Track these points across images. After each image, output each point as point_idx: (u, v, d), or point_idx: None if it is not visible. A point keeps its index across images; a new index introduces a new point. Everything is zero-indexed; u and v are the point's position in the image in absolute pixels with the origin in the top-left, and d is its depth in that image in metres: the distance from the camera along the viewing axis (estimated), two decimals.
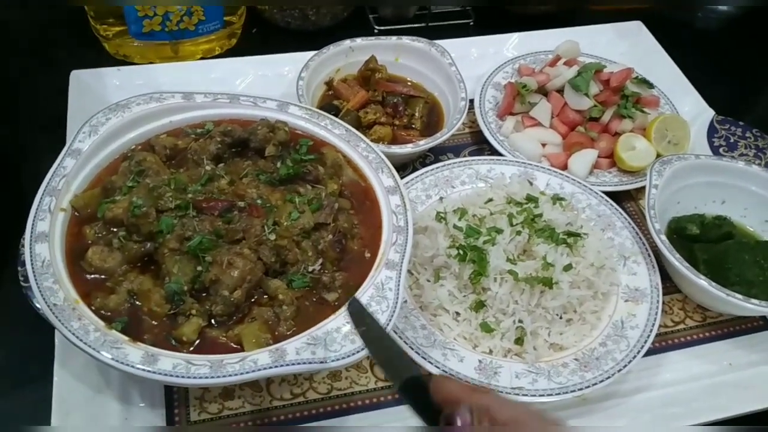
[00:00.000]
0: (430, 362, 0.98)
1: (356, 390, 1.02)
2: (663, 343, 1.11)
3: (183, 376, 0.81)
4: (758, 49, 1.77)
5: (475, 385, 0.72)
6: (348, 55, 1.39)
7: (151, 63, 1.49)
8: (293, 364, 0.83)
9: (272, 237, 0.94)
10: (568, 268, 1.05)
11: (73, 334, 0.83)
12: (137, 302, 0.90)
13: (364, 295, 0.90)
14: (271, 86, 1.41)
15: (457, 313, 1.04)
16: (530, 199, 1.14)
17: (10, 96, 1.41)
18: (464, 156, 1.37)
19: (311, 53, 1.37)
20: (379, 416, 1.00)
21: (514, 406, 0.66)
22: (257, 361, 0.82)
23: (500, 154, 1.30)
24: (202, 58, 1.52)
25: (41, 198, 0.95)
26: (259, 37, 1.61)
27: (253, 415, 0.98)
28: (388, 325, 0.87)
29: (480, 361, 1.00)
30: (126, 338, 0.84)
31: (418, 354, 0.98)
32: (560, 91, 1.39)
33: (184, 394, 0.99)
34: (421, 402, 0.66)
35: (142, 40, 1.46)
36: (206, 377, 0.81)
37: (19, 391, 1.01)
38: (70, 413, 0.94)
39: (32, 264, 0.88)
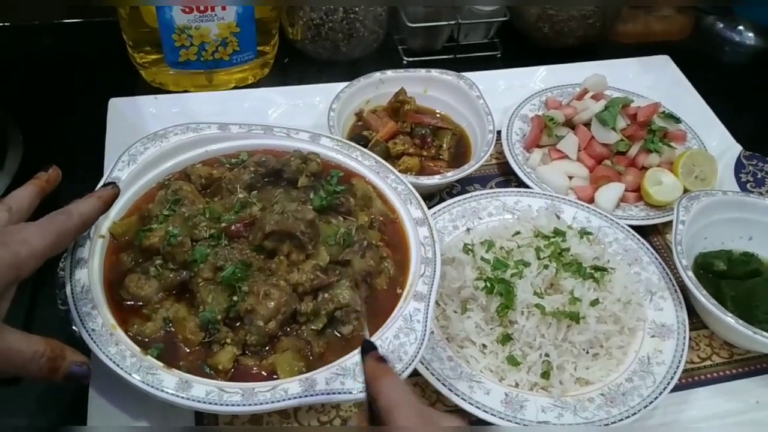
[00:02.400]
0: (456, 394, 0.98)
1: None
2: (689, 380, 1.11)
3: (215, 403, 0.83)
4: None
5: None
6: (378, 87, 1.42)
7: (186, 91, 1.53)
8: (322, 394, 0.84)
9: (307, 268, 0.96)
10: (595, 302, 1.05)
11: (110, 359, 0.85)
12: (172, 329, 0.93)
13: (392, 327, 0.92)
14: (303, 116, 1.44)
15: (484, 346, 1.05)
16: (557, 232, 1.15)
17: (49, 123, 1.45)
18: (491, 187, 1.38)
19: (342, 84, 1.40)
20: None
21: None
22: (288, 390, 0.84)
23: (527, 186, 1.32)
24: (235, 87, 1.56)
25: None
26: (291, 67, 1.65)
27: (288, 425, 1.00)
28: (416, 357, 0.88)
29: (506, 395, 1.00)
30: (161, 364, 0.86)
31: (445, 386, 0.99)
32: (587, 124, 1.40)
33: (213, 421, 1.01)
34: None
35: (177, 69, 1.51)
36: (238, 405, 0.83)
37: (53, 411, 1.03)
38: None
39: (72, 289, 0.91)
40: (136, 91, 1.49)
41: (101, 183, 1.04)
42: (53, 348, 0.78)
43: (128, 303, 0.95)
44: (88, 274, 0.94)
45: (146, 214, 1.03)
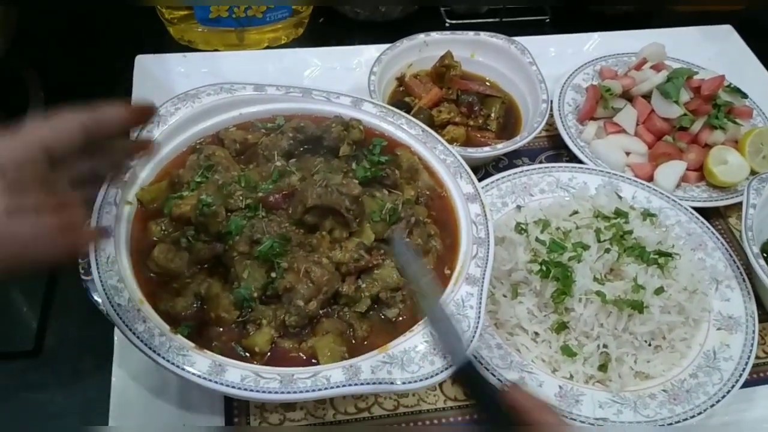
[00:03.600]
0: (506, 386, 0.91)
1: (424, 408, 0.96)
2: (755, 376, 1.03)
3: (251, 390, 0.76)
4: None
5: (548, 405, 0.70)
6: (422, 49, 1.32)
7: (215, 50, 1.45)
8: (367, 384, 0.77)
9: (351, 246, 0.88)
10: (659, 291, 0.97)
11: (138, 337, 0.79)
12: (204, 306, 0.86)
13: None
14: (339, 80, 1.35)
15: (536, 334, 0.98)
16: (619, 213, 1.06)
17: (72, 80, 1.37)
18: (540, 161, 1.29)
19: (381, 46, 1.32)
20: None
21: None
22: (330, 378, 0.77)
23: (580, 161, 1.23)
24: (267, 47, 1.47)
25: (107, 189, 0.90)
26: (326, 28, 1.55)
27: (315, 428, 0.93)
28: (469, 347, 0.81)
29: (560, 387, 0.93)
30: (192, 345, 0.79)
31: (494, 375, 0.92)
32: (646, 96, 1.30)
33: (244, 402, 0.94)
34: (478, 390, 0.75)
35: (207, 26, 1.42)
36: (276, 392, 0.76)
37: (74, 386, 0.98)
38: (127, 415, 0.90)
39: (97, 261, 0.84)
40: (163, 48, 1.41)
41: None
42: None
43: (157, 276, 0.87)
44: (115, 243, 0.87)
45: (177, 180, 0.96)
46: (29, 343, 1.01)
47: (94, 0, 1.48)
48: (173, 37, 1.46)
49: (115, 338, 0.95)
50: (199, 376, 0.76)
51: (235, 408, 0.94)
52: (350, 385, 0.77)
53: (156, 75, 1.31)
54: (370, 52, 1.36)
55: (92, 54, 1.44)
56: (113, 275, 0.83)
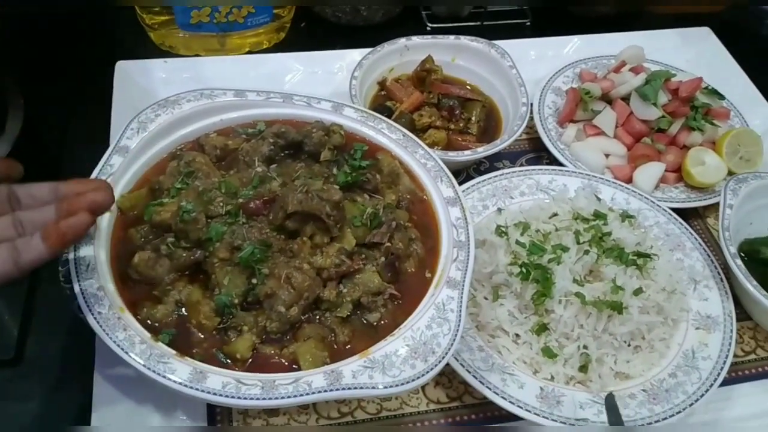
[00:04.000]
0: (488, 387, 0.92)
1: (407, 411, 0.97)
2: (733, 374, 1.04)
3: (233, 396, 0.76)
4: None
5: None
6: (403, 54, 1.33)
7: (197, 55, 1.45)
8: (349, 389, 0.77)
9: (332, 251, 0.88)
10: (638, 292, 0.98)
11: (119, 345, 0.79)
12: (185, 313, 0.86)
13: (424, 316, 0.84)
14: (321, 84, 1.36)
15: (517, 335, 0.98)
16: (598, 215, 1.07)
17: (52, 86, 1.37)
18: (521, 164, 1.30)
19: (362, 51, 1.32)
20: None
21: None
22: (311, 383, 0.77)
23: (560, 164, 1.24)
24: (249, 52, 1.47)
25: None
26: (308, 32, 1.56)
27: (295, 428, 0.94)
28: (449, 349, 0.81)
29: (542, 389, 0.94)
30: (173, 352, 0.80)
31: (476, 378, 0.93)
32: (625, 99, 1.31)
33: (227, 408, 0.94)
34: None
35: (188, 31, 1.42)
36: (257, 398, 0.76)
37: (56, 394, 0.97)
38: (110, 422, 0.90)
39: (76, 268, 0.84)
40: (143, 54, 1.41)
41: (108, 151, 0.96)
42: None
43: (137, 283, 0.87)
44: (94, 250, 0.87)
45: (157, 187, 0.96)
46: (9, 351, 1.00)
47: (74, 3, 1.48)
48: (154, 43, 1.46)
49: (96, 347, 0.95)
50: (180, 384, 0.76)
51: (218, 414, 0.94)
52: (332, 390, 0.77)
53: (137, 81, 1.30)
54: (352, 56, 1.36)
55: (72, 60, 1.43)
56: (93, 283, 0.83)
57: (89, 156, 0.97)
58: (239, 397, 0.76)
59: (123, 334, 0.79)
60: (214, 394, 0.76)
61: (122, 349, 0.78)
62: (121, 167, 0.95)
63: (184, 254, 0.88)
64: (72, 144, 1.27)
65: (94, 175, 0.94)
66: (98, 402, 0.91)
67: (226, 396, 0.76)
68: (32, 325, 1.03)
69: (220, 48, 1.46)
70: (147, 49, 1.44)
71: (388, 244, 0.93)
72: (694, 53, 1.52)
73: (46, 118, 1.29)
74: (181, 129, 1.03)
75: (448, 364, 0.91)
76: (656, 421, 0.91)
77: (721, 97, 1.34)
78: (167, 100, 1.04)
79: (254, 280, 0.86)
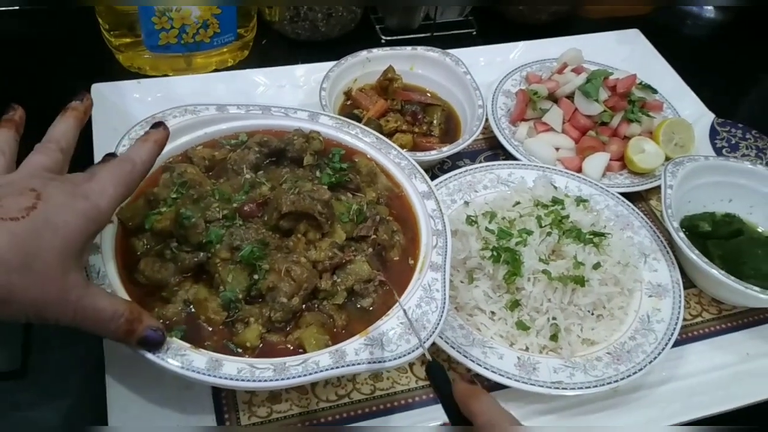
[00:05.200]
0: (471, 360, 1.01)
1: (398, 390, 1.05)
2: (684, 336, 1.16)
3: (248, 380, 0.83)
4: (744, 51, 1.86)
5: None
6: (365, 65, 1.42)
7: (165, 75, 1.51)
8: (354, 365, 0.85)
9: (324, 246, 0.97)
10: (597, 266, 1.10)
11: None
12: (193, 310, 0.92)
13: (414, 297, 0.94)
14: (288, 96, 1.44)
15: (493, 313, 1.08)
16: (556, 201, 1.19)
17: (29, 111, 1.40)
18: (480, 161, 1.41)
19: (326, 64, 1.41)
20: (422, 414, 1.03)
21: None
22: (319, 363, 0.85)
23: (515, 159, 1.35)
24: (215, 70, 1.54)
25: None
26: (270, 49, 1.64)
27: (301, 417, 1.01)
28: (439, 323, 0.90)
29: (519, 358, 1.04)
30: (188, 345, 0.86)
31: (460, 352, 1.02)
32: (570, 97, 1.44)
33: (232, 400, 1.01)
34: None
35: (156, 53, 1.48)
36: (271, 380, 0.83)
37: (65, 401, 1.02)
38: (123, 422, 0.95)
39: (88, 276, 0.90)
40: (112, 76, 1.45)
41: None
42: (132, 310, 0.78)
43: (145, 287, 0.94)
44: (102, 259, 0.92)
45: (152, 198, 1.01)
46: (16, 362, 1.03)
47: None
48: (122, 65, 1.51)
49: (105, 350, 1.00)
50: (200, 372, 0.83)
51: (224, 405, 1.00)
52: (338, 367, 0.85)
53: (113, 101, 1.35)
54: (315, 69, 1.45)
55: (41, 85, 1.46)
56: (105, 288, 0.89)
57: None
58: (254, 380, 0.83)
59: None
60: (231, 379, 0.83)
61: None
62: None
63: (187, 257, 0.95)
64: None
65: None
66: (113, 405, 0.96)
67: (242, 380, 0.83)
68: (35, 334, 1.07)
69: (186, 67, 1.53)
70: (115, 72, 1.49)
71: (374, 236, 1.02)
72: (628, 53, 1.66)
73: (22, 144, 1.32)
74: (168, 143, 1.08)
75: (434, 343, 1.01)
76: (621, 379, 1.02)
77: (654, 91, 1.48)
78: (154, 117, 1.10)
79: (256, 276, 0.93)
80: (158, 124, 0.91)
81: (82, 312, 0.73)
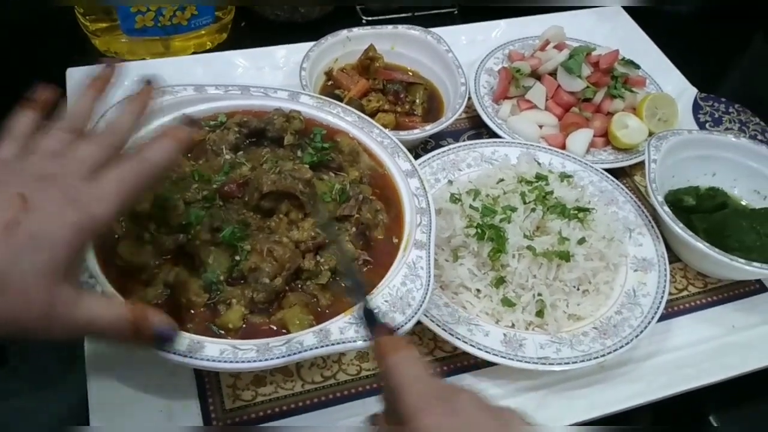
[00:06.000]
0: (458, 338, 1.00)
1: None
2: (669, 310, 1.16)
3: (231, 361, 0.82)
4: (726, 26, 1.85)
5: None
6: (345, 45, 1.41)
7: (142, 59, 1.48)
8: (339, 343, 0.84)
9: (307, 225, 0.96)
10: (582, 241, 1.09)
11: None
12: (174, 293, 0.91)
13: (398, 275, 0.93)
14: (269, 78, 1.42)
15: (478, 290, 1.07)
16: (540, 177, 1.18)
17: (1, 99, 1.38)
18: (463, 140, 1.40)
19: (307, 44, 1.39)
20: None
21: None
22: (303, 342, 0.84)
23: (499, 137, 1.34)
24: (194, 53, 1.52)
25: None
26: (248, 30, 1.61)
27: (287, 400, 1.00)
28: (423, 301, 0.90)
29: (504, 335, 1.03)
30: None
31: (445, 330, 1.01)
32: (552, 74, 1.43)
33: (216, 384, 0.99)
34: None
35: (132, 36, 1.45)
36: (254, 361, 0.82)
37: (47, 389, 1.00)
38: (106, 411, 0.93)
39: None
40: (88, 61, 1.42)
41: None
42: (135, 312, 0.72)
43: (124, 270, 0.92)
44: None
45: None
46: None
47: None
48: (99, 50, 1.49)
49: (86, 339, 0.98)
50: (179, 355, 0.81)
51: (207, 390, 0.99)
52: (323, 346, 0.84)
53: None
54: (295, 50, 1.43)
55: (18, 71, 1.44)
56: (84, 272, 0.87)
57: None
58: (237, 361, 0.82)
59: None
60: (213, 360, 0.81)
61: None
62: None
63: (167, 239, 0.93)
64: None
65: None
66: (93, 392, 0.94)
67: (224, 361, 0.81)
68: None
69: (164, 51, 1.50)
70: (91, 57, 1.47)
71: (357, 215, 1.00)
72: (609, 29, 1.66)
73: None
74: (145, 125, 1.07)
75: (419, 322, 1.00)
76: (608, 354, 1.02)
77: (637, 66, 1.48)
78: (129, 98, 1.06)
79: (237, 257, 0.92)
80: (187, 119, 0.82)
81: (75, 325, 0.68)
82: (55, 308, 0.66)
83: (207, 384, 1.00)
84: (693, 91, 1.50)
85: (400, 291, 0.90)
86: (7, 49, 1.49)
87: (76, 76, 1.33)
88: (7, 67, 1.45)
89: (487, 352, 1.00)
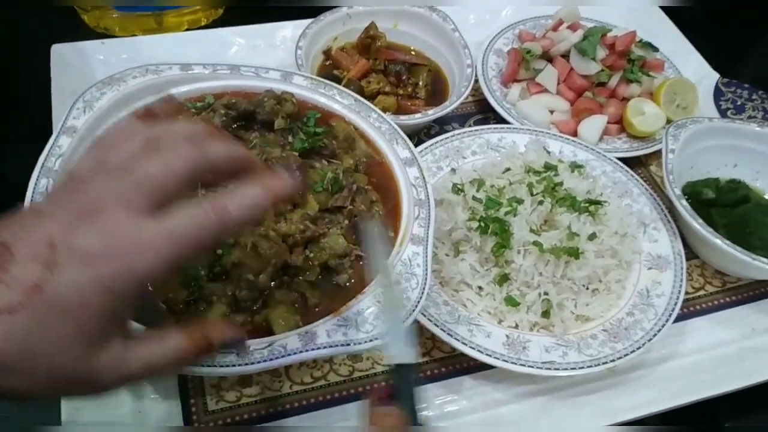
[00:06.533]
0: (456, 339, 0.94)
1: (378, 371, 0.98)
2: (685, 310, 1.09)
3: (208, 365, 0.76)
4: (751, 6, 1.75)
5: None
6: (345, 22, 1.33)
7: (134, 35, 1.41)
8: (325, 347, 0.78)
9: (295, 217, 0.89)
10: (592, 237, 1.02)
11: None
12: (151, 289, 0.84)
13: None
14: (265, 56, 1.35)
15: (480, 288, 1.01)
16: (549, 167, 1.10)
17: None
18: (469, 125, 1.32)
19: (303, 22, 1.31)
20: None
21: None
22: (286, 346, 0.78)
23: (507, 123, 1.26)
24: (187, 30, 1.44)
25: (37, 180, 0.88)
26: (245, 7, 1.53)
27: (273, 402, 0.94)
28: (419, 302, 0.83)
29: (507, 336, 0.96)
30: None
31: (444, 331, 0.95)
32: (565, 56, 1.35)
33: (199, 383, 0.94)
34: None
35: (124, 12, 1.38)
36: (233, 365, 0.76)
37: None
38: (79, 409, 0.88)
39: None
40: (78, 37, 1.36)
41: (55, 133, 0.93)
42: (194, 340, 0.61)
43: None
44: None
45: None
46: None
47: None
48: (88, 25, 1.42)
49: None
50: None
51: (190, 389, 0.93)
52: (308, 350, 0.78)
53: (74, 64, 1.26)
54: (293, 27, 1.36)
55: (3, 50, 1.38)
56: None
57: (36, 146, 0.94)
58: (214, 365, 0.76)
59: None
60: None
61: None
62: (69, 148, 0.92)
63: None
64: (13, 129, 1.24)
65: (42, 157, 0.91)
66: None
67: (202, 365, 0.76)
68: None
69: (157, 27, 1.43)
70: (82, 33, 1.40)
71: (351, 207, 0.93)
72: (626, 8, 1.56)
73: None
74: (128, 106, 1.00)
75: (416, 321, 0.94)
76: (618, 358, 0.95)
77: (655, 49, 1.39)
78: (112, 78, 1.01)
79: (219, 251, 0.85)
80: (170, 99, 0.66)
81: (131, 377, 0.58)
82: (97, 373, 0.55)
83: (190, 383, 0.94)
84: (714, 76, 1.42)
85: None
86: None
87: (60, 52, 1.26)
88: None
89: (488, 354, 0.93)
